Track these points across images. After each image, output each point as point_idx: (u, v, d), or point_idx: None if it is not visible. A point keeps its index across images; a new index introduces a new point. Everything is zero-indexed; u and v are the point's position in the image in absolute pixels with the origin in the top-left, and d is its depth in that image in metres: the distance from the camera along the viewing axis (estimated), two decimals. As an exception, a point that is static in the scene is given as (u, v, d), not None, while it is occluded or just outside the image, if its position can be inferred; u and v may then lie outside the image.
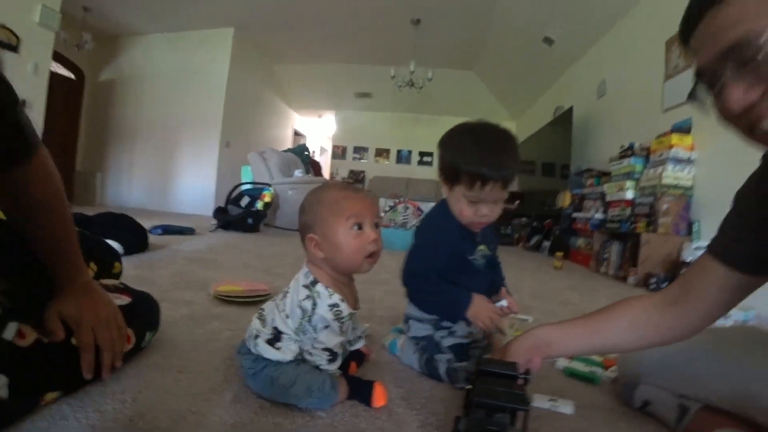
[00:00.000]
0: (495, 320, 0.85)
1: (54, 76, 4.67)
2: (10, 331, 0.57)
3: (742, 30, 0.40)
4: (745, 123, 0.44)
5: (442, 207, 0.94)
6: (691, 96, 0.48)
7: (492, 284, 1.00)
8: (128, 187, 6.22)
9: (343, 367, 0.83)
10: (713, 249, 0.63)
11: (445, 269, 0.91)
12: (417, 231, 0.98)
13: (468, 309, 0.85)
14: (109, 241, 1.87)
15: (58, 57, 5.18)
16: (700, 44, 0.45)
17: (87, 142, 6.29)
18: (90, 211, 2.30)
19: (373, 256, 0.74)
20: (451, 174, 0.86)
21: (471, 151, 0.83)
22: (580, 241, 3.81)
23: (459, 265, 0.91)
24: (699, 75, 0.47)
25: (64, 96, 5.79)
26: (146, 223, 2.47)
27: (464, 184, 0.84)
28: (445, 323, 0.94)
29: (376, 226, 0.75)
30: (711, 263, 0.62)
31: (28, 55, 3.81)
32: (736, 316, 1.70)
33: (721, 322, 0.79)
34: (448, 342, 0.91)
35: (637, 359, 0.81)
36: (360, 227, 0.72)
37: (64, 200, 0.70)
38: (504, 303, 0.96)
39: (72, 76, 5.96)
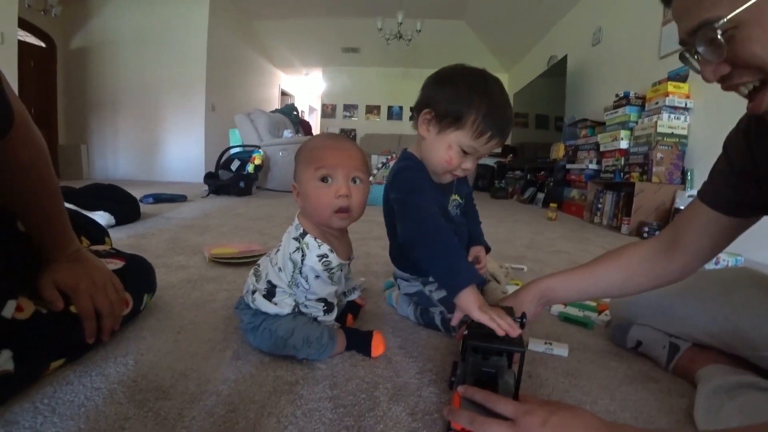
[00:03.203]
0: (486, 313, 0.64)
1: (23, 45, 4.42)
2: (9, 308, 0.57)
3: (702, 17, 0.44)
4: (725, 88, 0.48)
5: (410, 161, 0.86)
6: (681, 58, 0.51)
7: (469, 235, 0.97)
8: (114, 158, 6.03)
9: (341, 320, 0.85)
10: (702, 194, 0.66)
11: None
12: (395, 189, 0.83)
13: (459, 291, 0.66)
14: (99, 213, 1.86)
15: (25, 25, 4.88)
16: (676, 17, 0.49)
17: (67, 115, 6.01)
18: (79, 186, 2.23)
19: (342, 212, 0.69)
20: (451, 118, 0.77)
21: (485, 103, 0.75)
22: (574, 192, 3.83)
23: None
24: (681, 43, 0.49)
25: (37, 66, 5.49)
26: (136, 193, 2.43)
27: (468, 133, 0.76)
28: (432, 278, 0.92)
29: (355, 180, 0.70)
30: (700, 208, 0.66)
31: (-8, 23, 3.58)
32: (725, 263, 1.75)
33: (711, 267, 0.81)
34: (438, 296, 0.90)
35: (629, 302, 0.84)
36: (328, 179, 0.68)
37: (49, 165, 0.67)
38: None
39: (42, 44, 5.63)
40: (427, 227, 0.73)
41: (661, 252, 0.70)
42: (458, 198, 0.95)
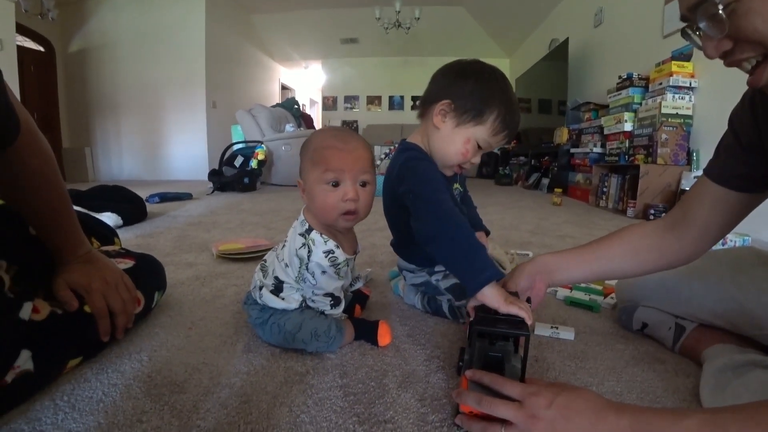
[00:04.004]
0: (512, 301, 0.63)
1: (22, 51, 4.42)
2: (26, 310, 0.59)
3: None
4: (727, 64, 0.48)
5: (417, 151, 0.84)
6: (683, 35, 0.50)
7: (470, 222, 0.96)
8: (118, 159, 6.06)
9: (349, 311, 0.86)
10: (709, 172, 0.64)
11: None
12: (406, 182, 0.79)
13: (483, 288, 0.63)
14: (107, 214, 1.87)
15: (23, 30, 4.90)
16: None
17: (69, 118, 6.04)
18: (85, 188, 2.25)
19: (349, 214, 0.69)
20: (474, 113, 0.77)
21: (505, 102, 0.77)
22: (579, 177, 3.80)
23: None
24: (683, 20, 0.49)
25: (37, 70, 5.52)
26: (142, 193, 2.45)
27: (488, 129, 0.78)
28: (438, 267, 0.93)
29: (363, 184, 0.70)
30: (708, 185, 0.64)
31: (-10, 28, 3.58)
32: (732, 243, 1.74)
33: (718, 248, 0.80)
34: (445, 284, 0.91)
35: (635, 283, 0.84)
36: (337, 184, 0.68)
37: (57, 170, 0.68)
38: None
39: (41, 48, 5.64)
40: (448, 225, 0.70)
41: (669, 230, 0.68)
42: (459, 186, 0.96)
